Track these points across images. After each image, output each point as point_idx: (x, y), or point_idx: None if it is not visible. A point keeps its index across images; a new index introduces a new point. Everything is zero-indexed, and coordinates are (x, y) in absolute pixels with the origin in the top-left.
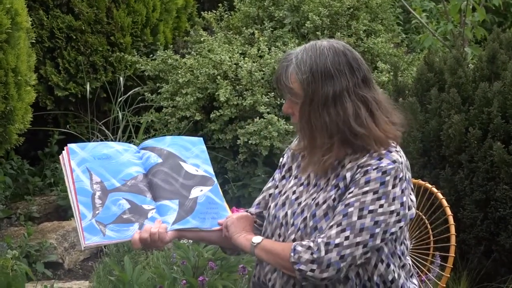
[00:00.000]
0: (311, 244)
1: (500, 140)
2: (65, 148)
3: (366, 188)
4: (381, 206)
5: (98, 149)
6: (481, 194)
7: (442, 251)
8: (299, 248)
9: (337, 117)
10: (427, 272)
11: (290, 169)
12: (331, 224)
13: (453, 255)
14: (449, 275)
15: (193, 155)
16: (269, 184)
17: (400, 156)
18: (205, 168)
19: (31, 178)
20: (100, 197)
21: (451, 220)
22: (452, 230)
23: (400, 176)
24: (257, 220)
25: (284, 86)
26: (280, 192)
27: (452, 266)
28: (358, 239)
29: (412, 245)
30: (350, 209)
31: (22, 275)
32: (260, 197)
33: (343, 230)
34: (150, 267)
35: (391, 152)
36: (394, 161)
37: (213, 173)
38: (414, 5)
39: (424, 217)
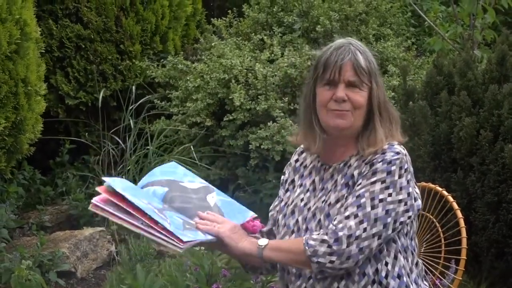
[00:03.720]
0: (325, 237)
1: (511, 142)
2: (98, 189)
3: (374, 179)
4: (389, 195)
5: (122, 183)
6: (492, 197)
7: (454, 254)
8: (312, 242)
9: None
10: (439, 276)
11: (293, 181)
12: (346, 215)
13: (465, 257)
14: (461, 278)
15: (182, 174)
16: (276, 202)
17: (403, 149)
18: (198, 180)
19: (42, 188)
20: (159, 212)
21: (462, 222)
22: (463, 232)
23: (405, 167)
24: (271, 237)
25: (358, 70)
26: (286, 203)
27: (464, 269)
28: (374, 230)
29: (423, 248)
30: (363, 200)
31: (37, 285)
32: (269, 215)
33: (361, 222)
34: (162, 274)
35: (393, 145)
36: (397, 153)
37: (205, 181)
38: (425, 7)
39: (435, 220)
